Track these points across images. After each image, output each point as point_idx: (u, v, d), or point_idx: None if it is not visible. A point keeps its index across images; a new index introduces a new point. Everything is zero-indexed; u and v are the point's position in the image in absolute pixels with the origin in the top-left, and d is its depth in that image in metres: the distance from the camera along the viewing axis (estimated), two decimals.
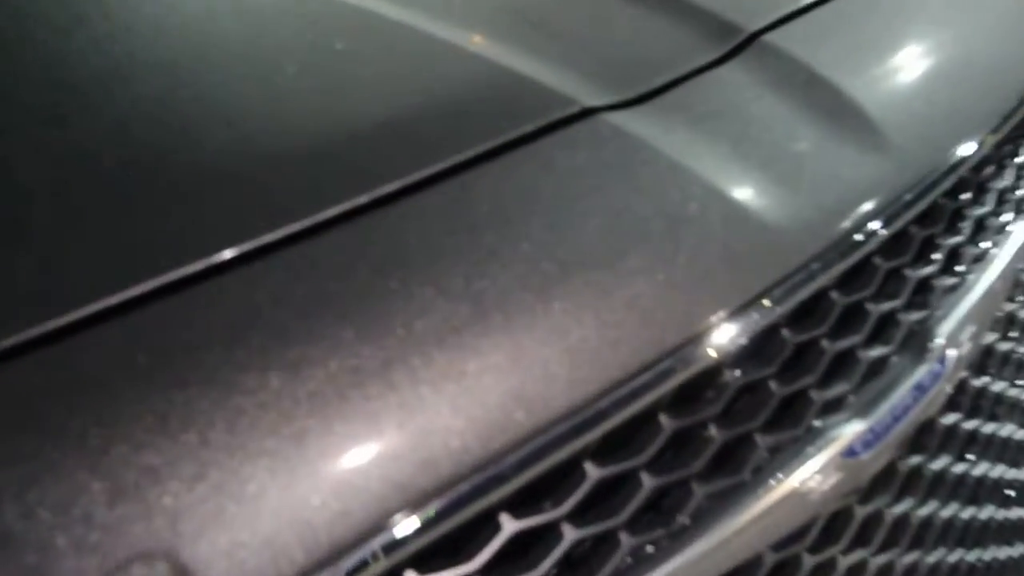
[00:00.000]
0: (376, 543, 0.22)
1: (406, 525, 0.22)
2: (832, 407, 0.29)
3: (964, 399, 0.35)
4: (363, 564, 0.22)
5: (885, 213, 0.30)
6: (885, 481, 0.31)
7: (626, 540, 0.26)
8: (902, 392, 0.29)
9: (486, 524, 0.24)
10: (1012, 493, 0.39)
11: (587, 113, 0.30)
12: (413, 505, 0.22)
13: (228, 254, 0.26)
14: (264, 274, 0.26)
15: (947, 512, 0.33)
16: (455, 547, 0.24)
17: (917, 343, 0.31)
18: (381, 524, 0.22)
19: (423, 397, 0.24)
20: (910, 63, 0.39)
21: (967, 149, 0.34)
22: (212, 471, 0.22)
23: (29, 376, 0.22)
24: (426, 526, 0.22)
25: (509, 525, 0.24)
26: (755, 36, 0.36)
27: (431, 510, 0.22)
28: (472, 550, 0.24)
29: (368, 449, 0.24)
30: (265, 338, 0.25)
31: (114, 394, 0.22)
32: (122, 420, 0.21)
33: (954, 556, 0.34)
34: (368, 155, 0.30)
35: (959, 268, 0.34)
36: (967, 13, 0.44)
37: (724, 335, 0.27)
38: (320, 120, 0.32)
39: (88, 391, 0.22)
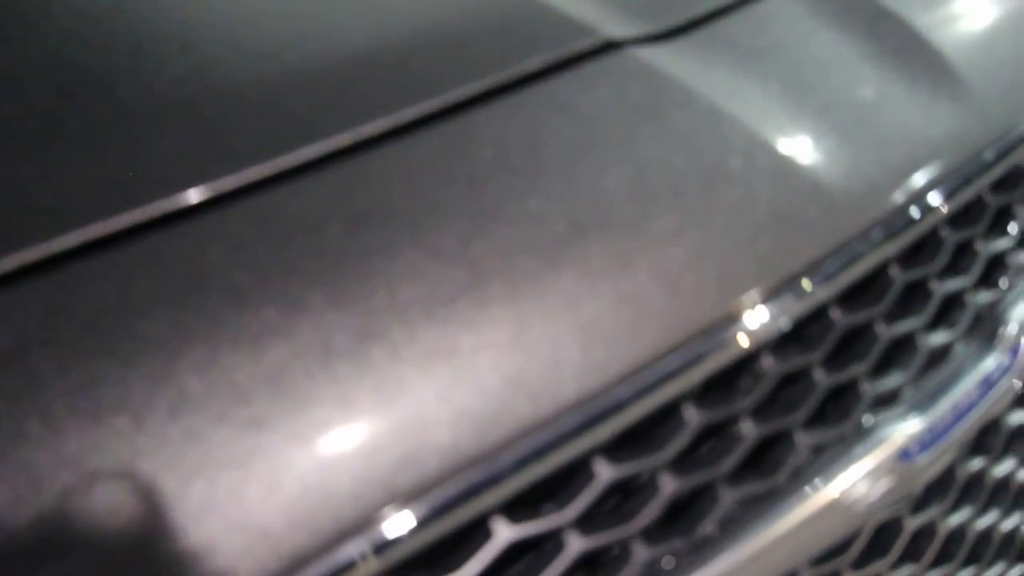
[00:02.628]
0: (342, 555, 0.18)
1: (382, 532, 0.18)
2: (886, 401, 0.25)
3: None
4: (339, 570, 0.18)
5: (958, 176, 0.25)
6: (942, 488, 0.27)
7: (641, 552, 0.22)
8: (966, 386, 0.25)
9: (477, 531, 0.20)
10: None
11: (611, 47, 0.25)
12: (391, 508, 0.18)
13: (180, 200, 0.22)
14: (221, 224, 0.22)
15: (1010, 524, 0.30)
16: (440, 558, 0.20)
17: (986, 329, 0.27)
18: (351, 531, 0.18)
19: (405, 380, 0.20)
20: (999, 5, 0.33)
21: None
22: (144, 459, 0.18)
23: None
24: (407, 533, 0.18)
25: (504, 532, 0.20)
26: None
27: (413, 514, 0.19)
28: (460, 560, 0.20)
29: (337, 441, 0.20)
30: (218, 302, 0.21)
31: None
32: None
33: (1016, 573, 0.30)
34: (352, 88, 0.25)
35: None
36: None
37: (763, 315, 0.23)
38: (293, 46, 0.28)
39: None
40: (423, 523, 0.19)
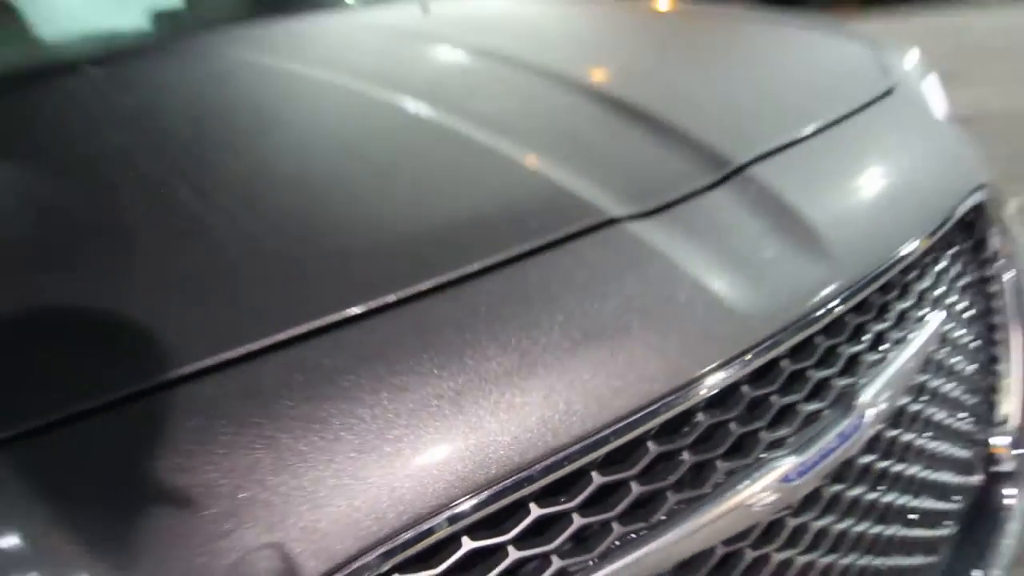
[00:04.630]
0: (445, 515, 0.33)
1: (465, 505, 0.33)
2: (775, 445, 0.40)
3: (879, 445, 0.46)
4: (431, 531, 0.33)
5: (825, 305, 0.41)
6: (812, 502, 0.42)
7: (617, 528, 0.37)
8: (829, 438, 0.40)
9: (519, 509, 0.35)
10: (914, 517, 0.49)
11: (612, 222, 0.41)
12: (471, 492, 0.34)
13: (356, 310, 0.38)
14: (382, 326, 0.38)
15: (859, 528, 0.44)
16: (497, 523, 0.35)
17: (844, 402, 0.42)
18: (449, 503, 0.33)
19: (482, 420, 0.35)
20: (857, 191, 0.50)
21: (894, 258, 0.45)
22: (339, 457, 0.33)
23: (216, 388, 0.34)
24: (478, 507, 0.34)
25: (535, 511, 0.35)
26: (742, 168, 0.47)
27: (482, 496, 0.34)
28: (509, 526, 0.35)
29: (442, 451, 0.35)
30: (382, 369, 0.36)
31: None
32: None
33: (863, 561, 0.45)
34: (457, 243, 0.41)
35: (883, 347, 0.45)
36: (906, 151, 0.55)
37: (700, 388, 0.38)
38: (419, 216, 0.45)
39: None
40: (489, 502, 0.34)
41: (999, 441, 0.61)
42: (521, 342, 0.37)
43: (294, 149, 0.56)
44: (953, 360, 0.56)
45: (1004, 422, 0.61)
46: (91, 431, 0.31)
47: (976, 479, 0.58)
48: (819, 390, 0.42)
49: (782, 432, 0.40)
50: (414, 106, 0.59)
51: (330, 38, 0.93)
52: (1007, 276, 0.63)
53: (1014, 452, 0.60)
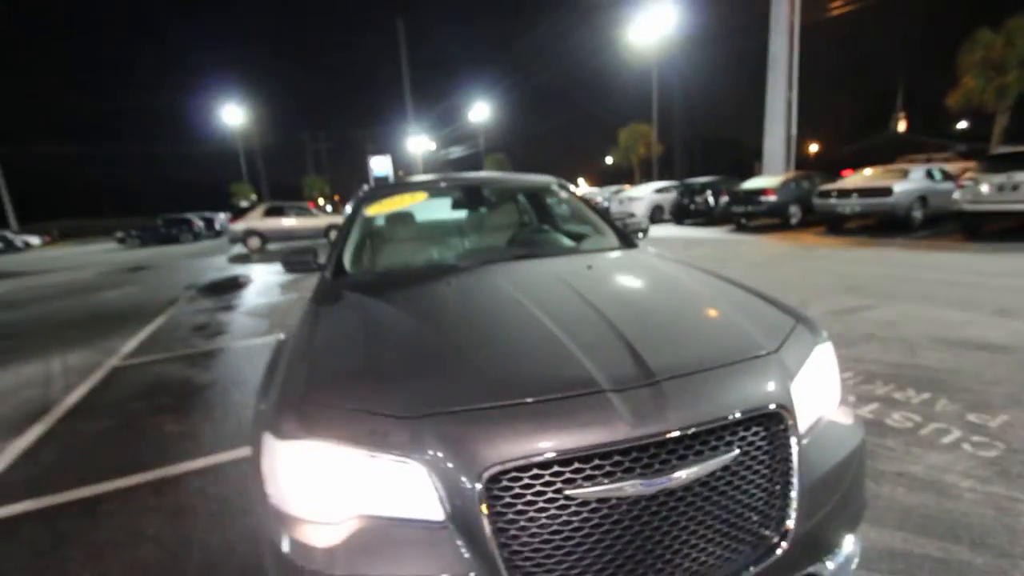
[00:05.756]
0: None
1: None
2: (640, 475, 1.03)
3: (696, 489, 1.10)
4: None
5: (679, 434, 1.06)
6: (663, 502, 1.06)
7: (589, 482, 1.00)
8: (660, 478, 1.04)
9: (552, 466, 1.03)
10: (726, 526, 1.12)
11: (603, 391, 1.09)
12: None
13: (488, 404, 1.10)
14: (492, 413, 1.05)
15: (718, 508, 1.08)
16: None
17: (670, 467, 1.06)
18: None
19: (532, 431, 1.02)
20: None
21: (726, 422, 1.13)
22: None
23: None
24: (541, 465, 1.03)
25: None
26: (658, 381, 1.18)
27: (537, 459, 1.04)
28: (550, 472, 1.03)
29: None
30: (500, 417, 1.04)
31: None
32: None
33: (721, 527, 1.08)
34: (524, 383, 1.17)
35: (699, 449, 1.09)
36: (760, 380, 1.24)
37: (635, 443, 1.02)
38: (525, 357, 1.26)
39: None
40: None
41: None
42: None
43: (490, 315, 1.54)
44: (751, 474, 1.19)
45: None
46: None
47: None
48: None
49: (642, 469, 1.04)
50: (533, 309, 1.53)
51: (525, 272, 2.08)
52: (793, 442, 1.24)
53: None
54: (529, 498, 1.03)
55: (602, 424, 1.06)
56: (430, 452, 1.05)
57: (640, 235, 3.04)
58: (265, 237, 17.14)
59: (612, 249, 2.61)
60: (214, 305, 7.67)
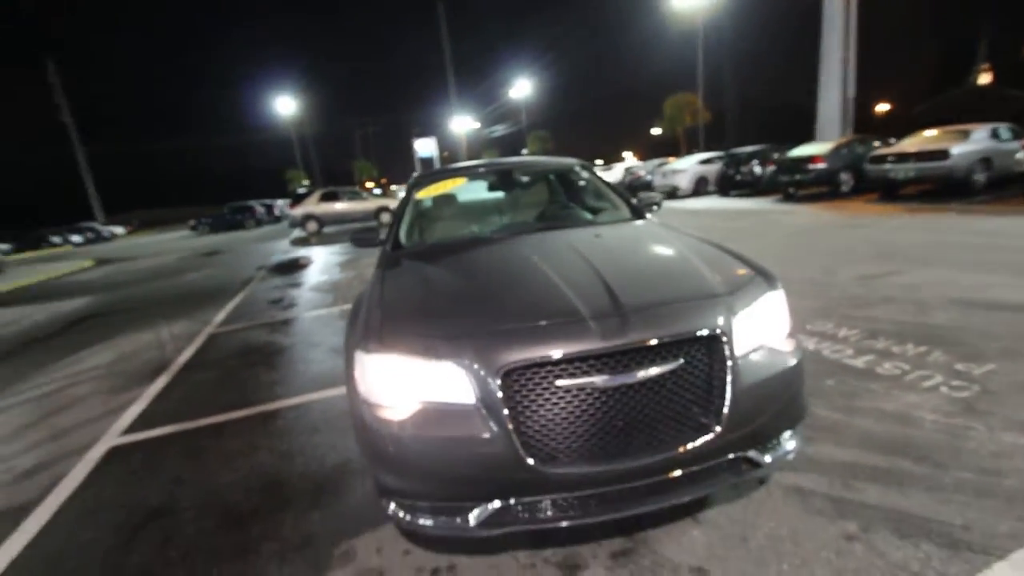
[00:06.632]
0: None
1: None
2: (610, 371, 1.51)
3: (653, 384, 1.56)
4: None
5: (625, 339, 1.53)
6: (632, 389, 1.53)
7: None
8: (655, 369, 1.52)
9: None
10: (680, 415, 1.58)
11: (584, 319, 1.61)
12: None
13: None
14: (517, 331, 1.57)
15: (654, 404, 1.55)
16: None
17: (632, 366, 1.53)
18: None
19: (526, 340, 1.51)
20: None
21: (681, 337, 1.60)
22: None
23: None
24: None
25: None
26: (627, 311, 1.66)
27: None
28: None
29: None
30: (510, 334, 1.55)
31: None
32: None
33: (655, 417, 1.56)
34: (529, 310, 1.75)
35: (652, 358, 1.55)
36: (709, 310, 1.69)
37: (599, 350, 1.51)
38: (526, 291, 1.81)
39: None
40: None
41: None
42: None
43: (511, 272, 2.10)
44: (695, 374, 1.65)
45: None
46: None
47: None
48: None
49: (609, 370, 1.52)
50: (543, 266, 2.07)
51: (544, 241, 2.57)
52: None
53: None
54: (531, 387, 1.54)
55: (580, 339, 1.55)
56: (465, 360, 1.57)
57: (654, 208, 3.42)
58: (322, 221, 18.32)
59: (622, 221, 3.05)
60: (284, 283, 8.61)
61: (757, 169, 15.88)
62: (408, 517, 1.68)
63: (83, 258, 20.48)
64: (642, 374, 1.55)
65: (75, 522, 2.39)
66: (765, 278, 1.96)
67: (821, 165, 12.87)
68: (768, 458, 1.76)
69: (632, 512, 1.61)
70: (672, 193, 18.31)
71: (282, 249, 14.47)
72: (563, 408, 1.55)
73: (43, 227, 35.10)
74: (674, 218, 12.10)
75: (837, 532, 1.78)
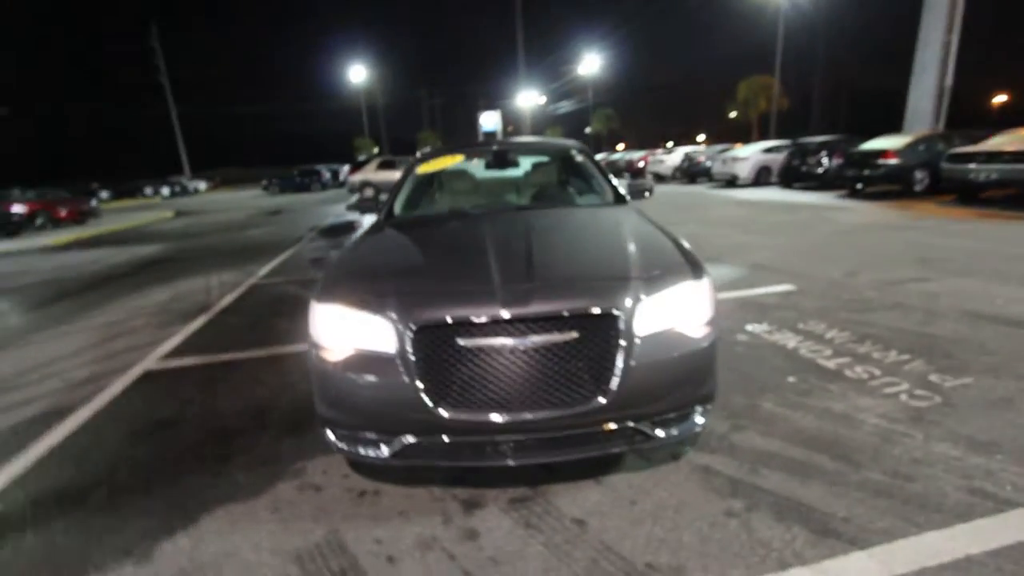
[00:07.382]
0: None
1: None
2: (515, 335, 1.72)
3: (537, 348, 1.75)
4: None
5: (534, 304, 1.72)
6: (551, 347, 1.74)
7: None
8: (546, 338, 1.72)
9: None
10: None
11: (493, 289, 1.88)
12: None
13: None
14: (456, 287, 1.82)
15: (552, 365, 1.75)
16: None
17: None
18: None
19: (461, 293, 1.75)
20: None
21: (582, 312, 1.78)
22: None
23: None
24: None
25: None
26: (532, 284, 1.88)
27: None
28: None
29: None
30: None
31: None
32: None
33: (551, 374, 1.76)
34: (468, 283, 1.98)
35: (549, 328, 1.74)
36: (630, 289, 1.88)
37: (515, 314, 1.72)
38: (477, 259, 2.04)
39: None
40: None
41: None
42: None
43: (459, 245, 2.39)
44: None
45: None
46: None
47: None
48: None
49: (508, 335, 1.72)
50: (487, 242, 2.27)
51: (509, 219, 2.83)
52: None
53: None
54: (438, 343, 1.78)
55: (484, 305, 1.77)
56: (391, 315, 1.83)
57: (646, 195, 3.50)
58: (378, 188, 19.13)
59: (602, 205, 3.17)
60: (328, 244, 9.26)
61: (825, 161, 14.87)
62: (339, 444, 1.99)
63: (167, 209, 22.63)
64: (535, 339, 1.74)
65: (103, 424, 2.94)
66: (691, 268, 2.06)
67: (892, 161, 11.89)
68: (661, 432, 1.91)
69: (524, 462, 1.83)
70: (731, 182, 17.54)
71: (337, 213, 15.34)
72: (465, 363, 1.78)
73: (139, 179, 38.80)
74: (714, 209, 11.70)
75: (721, 508, 1.92)
